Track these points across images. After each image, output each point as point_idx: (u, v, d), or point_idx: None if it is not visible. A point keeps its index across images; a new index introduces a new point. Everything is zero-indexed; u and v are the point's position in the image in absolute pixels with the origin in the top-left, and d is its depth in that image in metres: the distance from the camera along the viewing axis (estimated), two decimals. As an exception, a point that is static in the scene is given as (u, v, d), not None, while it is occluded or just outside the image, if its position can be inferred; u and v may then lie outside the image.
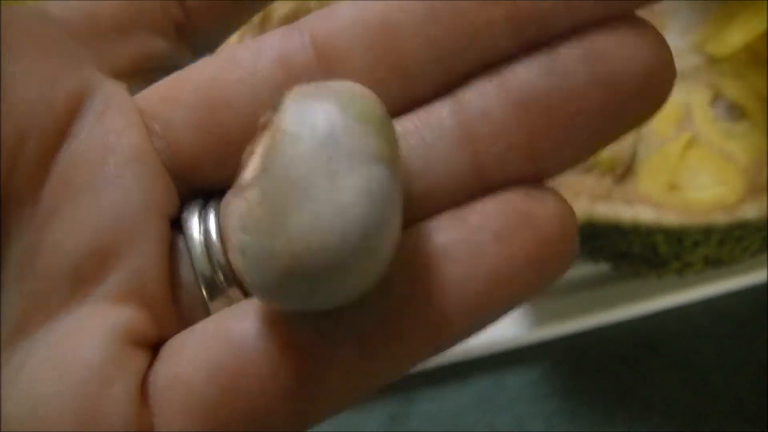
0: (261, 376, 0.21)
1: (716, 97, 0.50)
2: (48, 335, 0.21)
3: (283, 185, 0.19)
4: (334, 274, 0.19)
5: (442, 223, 0.21)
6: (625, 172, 0.49)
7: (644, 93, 0.20)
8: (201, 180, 0.23)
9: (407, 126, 0.22)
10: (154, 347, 0.22)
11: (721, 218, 0.45)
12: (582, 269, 0.53)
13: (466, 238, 0.21)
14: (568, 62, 0.20)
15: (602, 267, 0.51)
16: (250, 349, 0.21)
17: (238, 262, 0.20)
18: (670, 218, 0.45)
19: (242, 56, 0.22)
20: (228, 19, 0.25)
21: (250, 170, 0.20)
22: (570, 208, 0.20)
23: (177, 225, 0.24)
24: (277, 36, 0.22)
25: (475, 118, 0.21)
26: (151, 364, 0.22)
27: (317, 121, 0.19)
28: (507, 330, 0.52)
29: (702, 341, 0.52)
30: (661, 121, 0.49)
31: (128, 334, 0.22)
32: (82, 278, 0.22)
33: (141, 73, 0.24)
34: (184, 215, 0.23)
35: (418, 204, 0.21)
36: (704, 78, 0.50)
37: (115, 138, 0.22)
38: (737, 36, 0.49)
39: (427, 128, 0.21)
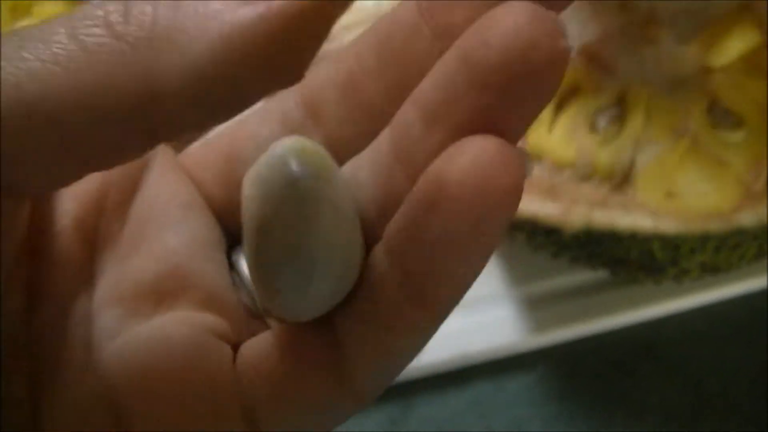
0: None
1: (713, 105, 0.50)
2: (138, 330, 0.25)
3: (259, 244, 0.22)
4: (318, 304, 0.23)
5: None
6: (622, 179, 0.49)
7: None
8: (230, 226, 0.27)
9: (362, 159, 0.24)
10: (234, 348, 0.25)
11: (717, 225, 0.46)
12: (580, 276, 0.53)
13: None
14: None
15: (600, 273, 0.52)
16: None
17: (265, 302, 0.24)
18: (667, 225, 0.46)
19: (251, 119, 0.27)
20: None
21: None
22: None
23: None
24: (275, 99, 0.26)
25: (400, 137, 0.22)
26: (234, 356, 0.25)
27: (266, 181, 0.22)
28: (505, 336, 0.53)
29: (699, 346, 0.52)
30: (659, 129, 0.50)
31: (213, 331, 0.25)
32: (164, 296, 0.25)
33: None
34: (233, 254, 0.27)
35: (380, 224, 0.23)
36: (701, 86, 0.50)
37: (176, 189, 0.26)
38: (734, 46, 0.50)
39: (373, 159, 0.24)
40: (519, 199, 0.20)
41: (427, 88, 0.22)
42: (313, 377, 0.23)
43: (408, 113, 0.22)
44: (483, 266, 0.21)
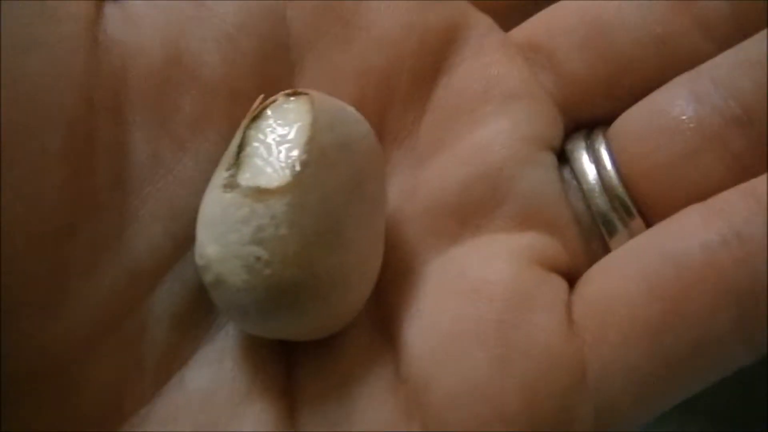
0: (709, 301, 0.19)
1: None
2: (444, 268, 0.20)
3: (318, 223, 0.18)
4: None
5: None
6: None
7: None
8: (588, 111, 0.22)
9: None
10: (569, 276, 0.21)
11: None
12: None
13: None
14: None
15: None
16: (694, 270, 0.19)
17: (232, 272, 0.18)
18: None
19: None
20: None
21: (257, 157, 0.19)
22: None
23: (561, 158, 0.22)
24: None
25: None
26: (570, 292, 0.20)
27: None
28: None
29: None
30: None
31: (539, 258, 0.20)
32: (474, 210, 0.21)
33: None
34: (569, 147, 0.22)
35: None
36: None
37: (498, 71, 0.22)
38: None
39: None
40: None
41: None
42: None
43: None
44: None
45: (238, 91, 0.19)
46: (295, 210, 0.18)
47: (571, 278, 0.21)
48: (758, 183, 0.19)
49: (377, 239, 0.20)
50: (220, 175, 0.19)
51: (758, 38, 0.20)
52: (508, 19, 0.23)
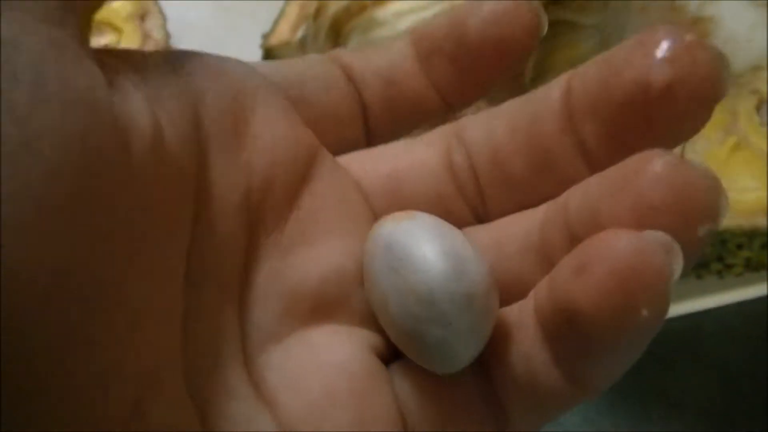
0: None
1: (761, 103, 0.51)
2: (302, 342, 0.24)
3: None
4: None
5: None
6: None
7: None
8: None
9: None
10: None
11: (764, 222, 0.46)
12: (623, 268, 0.52)
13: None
14: None
15: (643, 267, 0.51)
16: None
17: None
18: None
19: (417, 147, 0.26)
20: (401, 129, 0.27)
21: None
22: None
23: None
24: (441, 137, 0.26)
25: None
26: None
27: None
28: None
29: (738, 345, 0.53)
30: (709, 126, 0.48)
31: (375, 351, 0.24)
32: (324, 303, 0.24)
33: None
34: None
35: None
36: (750, 84, 0.51)
37: (348, 192, 0.25)
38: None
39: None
40: (664, 290, 0.20)
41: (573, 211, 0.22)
42: (476, 425, 0.24)
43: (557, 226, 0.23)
44: (643, 347, 0.22)
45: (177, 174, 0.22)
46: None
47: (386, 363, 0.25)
48: None
49: None
50: None
51: None
52: None
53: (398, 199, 0.26)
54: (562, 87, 0.24)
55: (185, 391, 0.21)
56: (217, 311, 0.23)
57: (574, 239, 0.21)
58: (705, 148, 0.49)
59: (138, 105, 0.20)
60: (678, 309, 0.52)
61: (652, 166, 0.20)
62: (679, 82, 0.21)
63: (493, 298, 0.23)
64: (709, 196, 0.20)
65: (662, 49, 0.21)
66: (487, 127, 0.25)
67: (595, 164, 0.23)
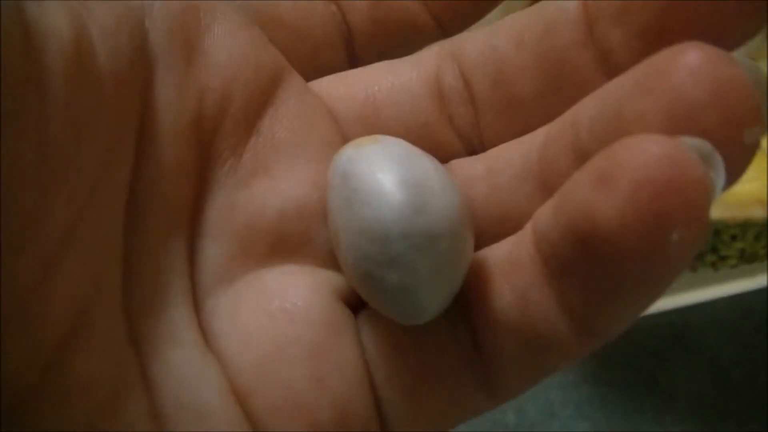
0: None
1: None
2: (256, 285, 0.21)
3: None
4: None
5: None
6: None
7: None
8: None
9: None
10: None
11: (758, 213, 0.46)
12: (616, 260, 0.52)
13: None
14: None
15: (637, 259, 0.51)
16: None
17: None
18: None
19: (399, 67, 0.24)
20: (390, 56, 0.25)
21: None
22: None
23: None
24: (427, 56, 0.23)
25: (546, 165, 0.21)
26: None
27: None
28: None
29: (730, 337, 0.53)
30: None
31: (337, 292, 0.22)
32: (284, 240, 0.22)
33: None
34: None
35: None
36: None
37: (316, 117, 0.23)
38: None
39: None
40: (704, 208, 0.16)
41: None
42: (452, 379, 0.21)
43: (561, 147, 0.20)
44: (669, 284, 0.18)
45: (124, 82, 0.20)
46: None
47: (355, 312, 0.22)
48: None
49: None
50: None
51: None
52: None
53: (375, 128, 0.23)
54: None
55: (124, 335, 0.19)
56: (163, 247, 0.21)
57: (584, 160, 0.18)
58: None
59: (58, 13, 0.18)
60: (672, 301, 0.52)
61: (688, 59, 0.17)
62: None
63: (464, 239, 0.20)
64: (755, 94, 0.16)
65: None
66: (488, 43, 0.22)
67: None
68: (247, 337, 0.21)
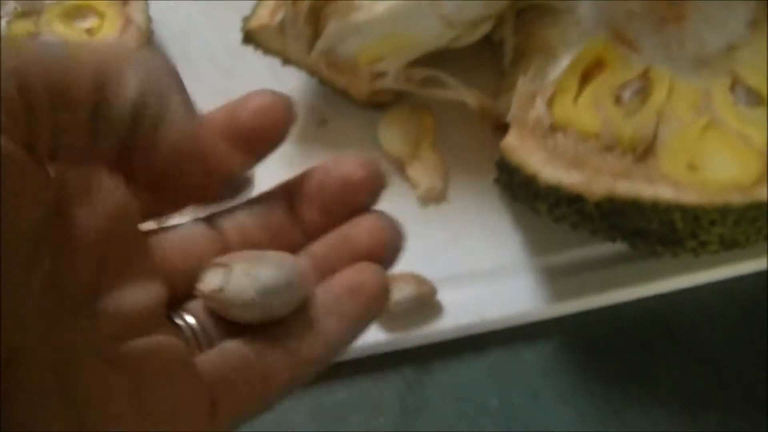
0: None
1: (735, 84, 0.51)
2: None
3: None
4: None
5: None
6: (645, 151, 0.49)
7: None
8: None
9: None
10: None
11: (737, 198, 0.47)
12: (599, 248, 0.54)
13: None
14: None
15: (619, 246, 0.52)
16: None
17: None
18: (689, 196, 0.47)
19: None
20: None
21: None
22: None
23: None
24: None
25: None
26: None
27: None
28: (523, 304, 0.53)
29: (715, 325, 0.54)
30: (682, 106, 0.50)
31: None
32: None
33: None
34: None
35: None
36: (724, 66, 0.52)
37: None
38: None
39: None
40: None
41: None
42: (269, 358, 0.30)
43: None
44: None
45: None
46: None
47: None
48: None
49: None
50: None
51: None
52: None
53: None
54: None
55: None
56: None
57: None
58: (677, 127, 0.49)
59: None
60: (654, 288, 0.53)
61: None
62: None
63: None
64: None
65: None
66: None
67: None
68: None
